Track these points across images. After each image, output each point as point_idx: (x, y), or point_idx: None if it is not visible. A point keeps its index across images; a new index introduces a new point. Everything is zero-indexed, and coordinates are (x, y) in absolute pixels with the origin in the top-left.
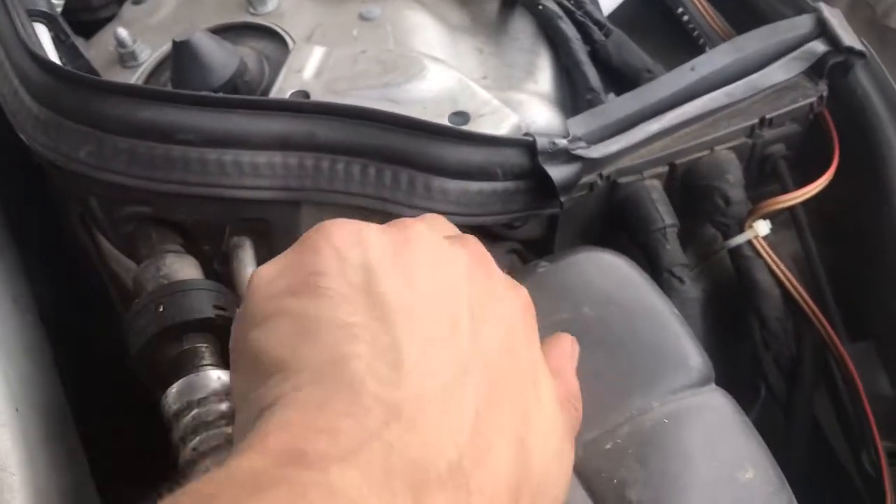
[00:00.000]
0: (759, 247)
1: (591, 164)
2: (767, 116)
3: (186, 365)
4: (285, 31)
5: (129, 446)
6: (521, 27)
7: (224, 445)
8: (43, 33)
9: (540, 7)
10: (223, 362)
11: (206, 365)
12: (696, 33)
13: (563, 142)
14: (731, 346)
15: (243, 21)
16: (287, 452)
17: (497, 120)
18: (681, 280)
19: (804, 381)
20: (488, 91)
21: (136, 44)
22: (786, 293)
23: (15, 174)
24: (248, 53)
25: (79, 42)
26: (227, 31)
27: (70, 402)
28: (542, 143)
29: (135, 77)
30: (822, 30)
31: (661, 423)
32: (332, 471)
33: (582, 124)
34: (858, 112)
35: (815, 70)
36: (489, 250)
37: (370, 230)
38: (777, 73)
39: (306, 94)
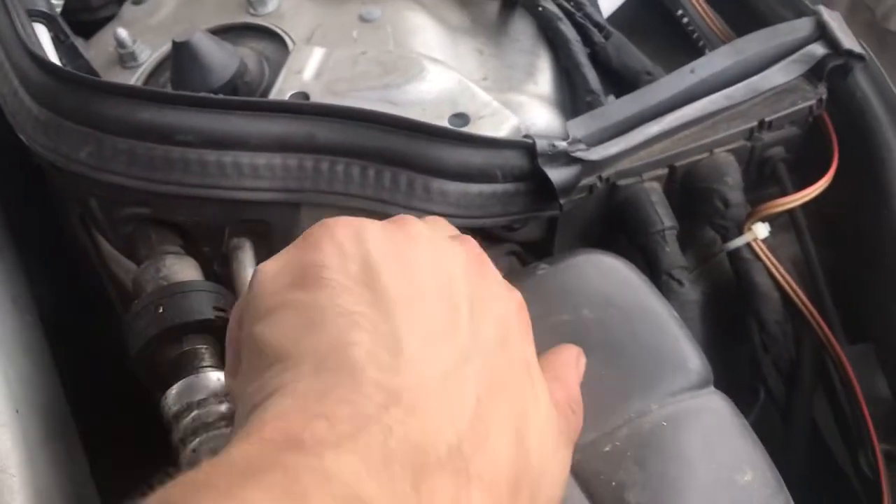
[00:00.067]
0: (758, 249)
1: (590, 167)
2: (767, 119)
3: (186, 366)
4: (285, 32)
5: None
6: (522, 28)
7: (224, 447)
8: (43, 34)
9: (540, 9)
10: (223, 364)
11: (206, 366)
12: (695, 35)
13: (562, 144)
14: (729, 349)
15: (243, 22)
16: (283, 439)
17: (497, 122)
18: (680, 282)
19: (803, 383)
20: (488, 92)
21: (136, 44)
22: (785, 296)
23: (15, 175)
24: (247, 54)
25: (78, 42)
26: (226, 32)
27: (70, 403)
28: (541, 145)
29: (134, 77)
30: (822, 33)
31: (659, 425)
32: (327, 456)
33: (581, 126)
34: (858, 115)
35: (815, 73)
36: (488, 252)
37: (371, 226)
38: (776, 75)
39: (306, 96)
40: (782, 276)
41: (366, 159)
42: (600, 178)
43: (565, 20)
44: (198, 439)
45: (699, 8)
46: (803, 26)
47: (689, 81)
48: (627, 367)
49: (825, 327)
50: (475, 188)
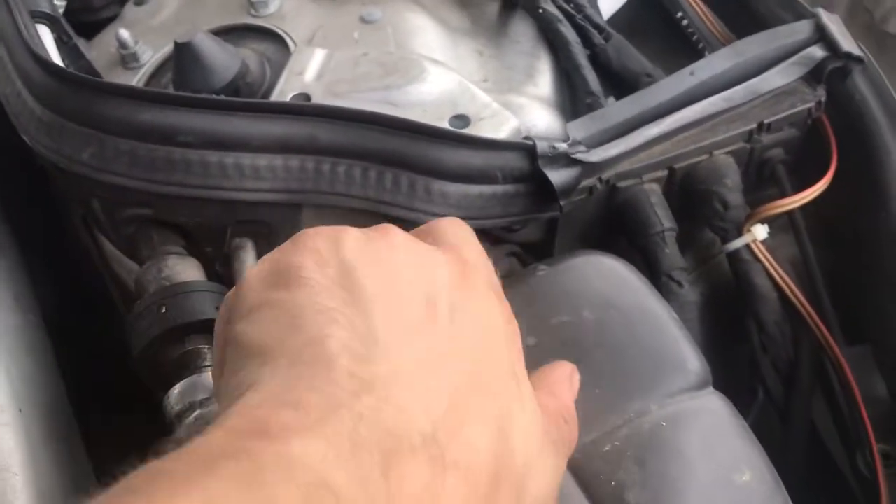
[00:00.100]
0: (757, 251)
1: (590, 168)
2: (766, 121)
3: (189, 366)
4: (286, 33)
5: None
6: (522, 30)
7: None
8: (45, 35)
9: (540, 10)
10: None
11: (209, 366)
12: (695, 38)
13: (562, 146)
14: (728, 350)
15: (244, 23)
16: (248, 427)
17: (497, 123)
18: (679, 284)
19: (801, 384)
20: (488, 94)
21: (138, 45)
22: (783, 297)
23: (17, 175)
24: (249, 55)
25: (80, 43)
26: (228, 33)
27: (72, 403)
28: (542, 146)
29: (136, 78)
30: (821, 35)
31: (659, 425)
32: (293, 442)
33: (582, 128)
34: (856, 117)
35: (814, 75)
36: (488, 253)
37: (350, 232)
38: (776, 78)
39: (307, 97)
40: (781, 277)
41: (367, 160)
42: (600, 179)
43: (565, 22)
44: None
45: (699, 10)
46: (802, 29)
47: (689, 83)
48: (627, 367)
49: (823, 328)
50: (476, 189)
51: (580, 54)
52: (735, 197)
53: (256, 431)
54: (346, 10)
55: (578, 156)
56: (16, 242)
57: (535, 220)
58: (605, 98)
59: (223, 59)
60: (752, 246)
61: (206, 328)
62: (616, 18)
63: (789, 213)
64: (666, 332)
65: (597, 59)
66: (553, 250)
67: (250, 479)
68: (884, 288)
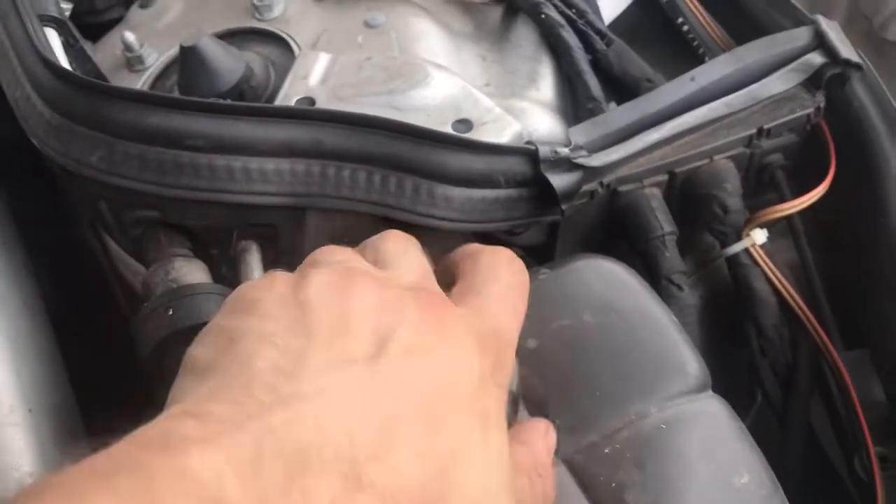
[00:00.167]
0: (756, 255)
1: (591, 173)
2: (765, 126)
3: None
4: (291, 37)
5: None
6: (524, 35)
7: None
8: (53, 38)
9: (542, 16)
10: None
11: None
12: (695, 43)
13: (564, 150)
14: (727, 353)
15: (249, 26)
16: (151, 439)
17: (500, 127)
18: (679, 287)
19: (799, 387)
20: (491, 98)
21: (143, 48)
22: (782, 301)
23: (25, 178)
24: (254, 59)
25: (86, 46)
26: (232, 37)
27: (79, 404)
28: (544, 151)
29: (141, 81)
30: (820, 42)
31: (658, 428)
32: (191, 453)
33: (583, 133)
34: (855, 123)
35: (813, 81)
36: None
37: (315, 271)
38: (775, 84)
39: (312, 101)
40: (780, 281)
41: (372, 165)
42: (601, 183)
43: (567, 27)
44: None
45: (699, 16)
46: (802, 35)
47: (690, 89)
48: (627, 370)
49: (822, 332)
50: (478, 193)
51: (582, 59)
52: (735, 201)
53: (156, 443)
54: (350, 14)
55: (580, 161)
56: (23, 245)
57: (537, 224)
58: (607, 103)
59: (228, 63)
60: (752, 250)
61: None
62: (617, 23)
63: (788, 218)
64: (666, 336)
65: (598, 64)
66: (554, 253)
67: (142, 492)
68: (882, 292)
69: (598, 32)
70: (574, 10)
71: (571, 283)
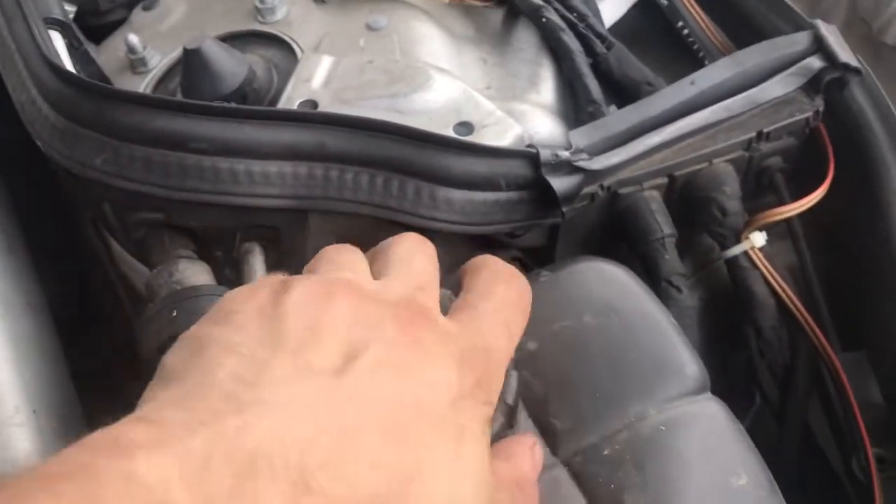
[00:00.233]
0: (755, 257)
1: (592, 176)
2: (765, 130)
3: None
4: (293, 40)
5: None
6: (525, 38)
7: None
8: (57, 41)
9: (543, 19)
10: None
11: None
12: (695, 47)
13: (565, 154)
14: (726, 354)
15: (252, 29)
16: (100, 443)
17: (501, 130)
18: (678, 289)
19: (797, 389)
20: (492, 101)
21: (147, 50)
22: (781, 303)
23: (29, 180)
24: (256, 61)
25: (90, 48)
26: (235, 39)
27: (82, 405)
28: (545, 154)
29: (144, 83)
30: (819, 46)
31: (658, 430)
32: (138, 457)
33: (584, 136)
34: (853, 127)
35: (812, 85)
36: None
37: (297, 282)
38: (775, 87)
39: (315, 104)
40: (778, 283)
41: (374, 168)
42: (601, 186)
43: (568, 31)
44: None
45: (699, 20)
46: (801, 40)
47: (690, 93)
48: (627, 372)
49: (820, 334)
50: (480, 196)
51: (582, 63)
52: (734, 204)
53: (105, 448)
54: (352, 17)
55: (580, 164)
56: (27, 246)
57: (538, 227)
58: (607, 106)
59: (231, 66)
60: (751, 253)
61: None
62: (617, 27)
63: (787, 221)
64: (665, 338)
65: (599, 68)
66: (555, 255)
67: (88, 495)
68: (880, 294)
69: (599, 36)
70: (575, 14)
71: (572, 285)
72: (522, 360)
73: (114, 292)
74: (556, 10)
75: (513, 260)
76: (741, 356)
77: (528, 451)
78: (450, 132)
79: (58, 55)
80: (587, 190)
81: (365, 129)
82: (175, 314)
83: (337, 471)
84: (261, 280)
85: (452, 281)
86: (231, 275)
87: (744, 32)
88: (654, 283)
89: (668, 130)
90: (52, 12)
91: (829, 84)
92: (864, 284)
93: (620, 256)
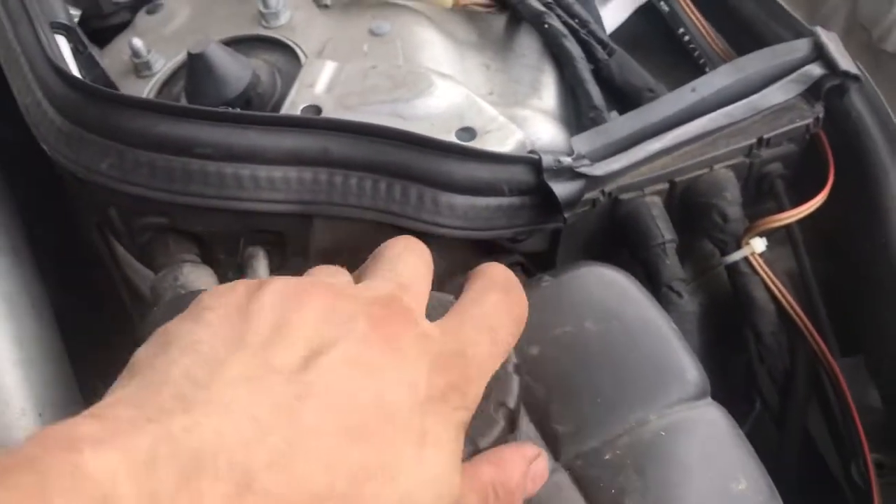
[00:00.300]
0: (755, 263)
1: (593, 181)
2: (765, 136)
3: None
4: (297, 45)
5: None
6: (527, 44)
7: None
8: (63, 45)
9: (546, 25)
10: None
11: None
12: (696, 53)
13: (567, 159)
14: (726, 359)
15: (255, 34)
16: (51, 438)
17: (503, 136)
18: (679, 294)
19: (797, 394)
20: (494, 107)
21: (151, 54)
22: (780, 309)
23: (34, 183)
24: (260, 66)
25: (94, 51)
26: (239, 44)
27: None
28: (547, 160)
29: (148, 87)
30: (819, 53)
31: (658, 435)
32: (85, 452)
33: (586, 142)
34: (853, 134)
35: (812, 92)
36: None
37: (272, 281)
38: (775, 94)
39: (318, 109)
40: (778, 289)
41: (378, 173)
42: (603, 192)
43: (570, 37)
44: None
45: (700, 27)
46: (801, 47)
47: (691, 99)
48: (628, 377)
49: (819, 340)
50: (482, 201)
51: (584, 69)
52: (734, 210)
53: (55, 442)
54: (355, 22)
55: (582, 169)
56: (31, 248)
57: (540, 232)
58: (609, 112)
59: (235, 70)
60: (751, 258)
61: None
62: (619, 33)
63: (787, 227)
64: (666, 343)
65: (600, 74)
66: (556, 260)
67: (36, 490)
68: (879, 299)
69: (601, 42)
70: (577, 20)
71: (573, 291)
72: (524, 365)
73: (118, 295)
74: (558, 16)
75: (515, 265)
76: (741, 361)
77: (521, 459)
78: (452, 138)
79: (63, 59)
80: (589, 195)
81: (368, 135)
82: None
83: (285, 471)
84: (240, 280)
85: (456, 286)
86: (235, 279)
87: (744, 39)
88: (655, 288)
89: (669, 136)
90: (57, 16)
91: (830, 91)
92: (862, 290)
93: (621, 262)
